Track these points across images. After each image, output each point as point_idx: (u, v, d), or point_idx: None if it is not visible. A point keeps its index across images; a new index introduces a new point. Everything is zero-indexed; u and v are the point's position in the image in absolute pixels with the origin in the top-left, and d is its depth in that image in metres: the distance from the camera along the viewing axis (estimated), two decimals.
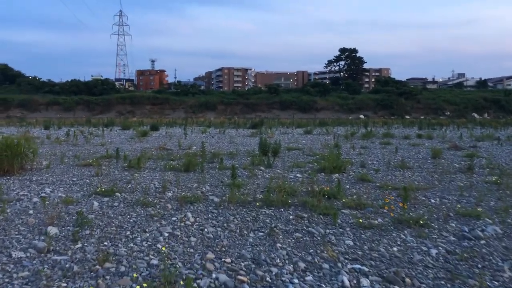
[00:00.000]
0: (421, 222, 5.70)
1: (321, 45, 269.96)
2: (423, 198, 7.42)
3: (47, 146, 16.50)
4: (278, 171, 10.45)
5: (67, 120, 54.46)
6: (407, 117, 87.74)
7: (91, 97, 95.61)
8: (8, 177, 9.18)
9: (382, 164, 11.84)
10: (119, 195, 7.46)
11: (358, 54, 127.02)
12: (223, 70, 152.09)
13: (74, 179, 9.12)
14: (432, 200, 7.30)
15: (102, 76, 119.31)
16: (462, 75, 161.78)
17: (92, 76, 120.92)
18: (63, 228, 5.46)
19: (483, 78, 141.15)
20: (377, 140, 20.62)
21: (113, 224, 5.69)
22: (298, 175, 9.84)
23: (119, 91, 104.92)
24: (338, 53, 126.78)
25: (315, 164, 11.67)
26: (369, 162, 12.29)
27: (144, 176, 9.62)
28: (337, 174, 9.87)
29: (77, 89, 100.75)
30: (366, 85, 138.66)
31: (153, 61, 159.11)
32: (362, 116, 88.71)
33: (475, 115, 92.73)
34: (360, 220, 5.79)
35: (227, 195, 7.37)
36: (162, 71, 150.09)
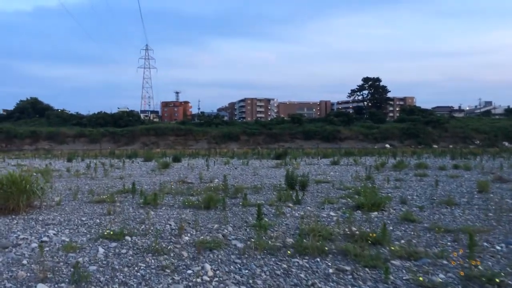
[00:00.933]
0: (497, 280, 4.54)
1: (343, 74, 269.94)
2: (486, 245, 6.22)
3: (65, 180, 15.87)
4: (309, 208, 9.38)
5: (93, 152, 54.77)
6: (435, 146, 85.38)
7: (117, 129, 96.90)
8: (13, 216, 8.40)
9: (424, 200, 10.63)
10: (129, 239, 6.53)
11: (381, 83, 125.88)
12: (246, 100, 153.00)
13: (84, 218, 8.26)
14: (498, 247, 6.09)
15: (128, 108, 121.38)
16: (489, 103, 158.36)
17: (118, 108, 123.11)
18: (55, 286, 4.53)
19: (511, 106, 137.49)
20: (411, 172, 19.29)
21: (116, 280, 4.73)
22: (331, 213, 8.74)
23: (144, 123, 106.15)
24: (361, 82, 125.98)
25: (349, 199, 10.55)
26: (408, 197, 11.09)
27: (160, 214, 8.69)
28: (375, 213, 8.73)
29: (103, 121, 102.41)
30: (391, 114, 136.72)
31: (177, 93, 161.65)
32: (387, 146, 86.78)
33: (506, 143, 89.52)
34: (420, 278, 4.65)
35: (252, 240, 6.34)
36: (186, 102, 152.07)
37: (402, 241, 6.40)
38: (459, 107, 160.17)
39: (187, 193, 11.80)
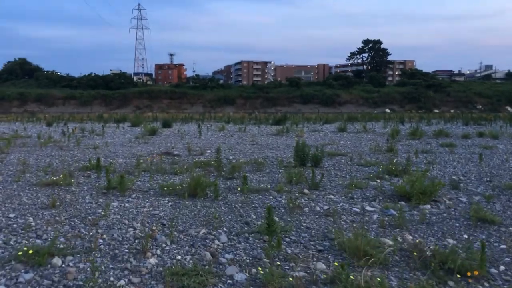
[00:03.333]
0: None
1: (341, 38, 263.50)
2: None
3: (27, 150, 13.25)
4: (332, 197, 6.88)
5: (82, 115, 51.80)
6: (436, 111, 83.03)
7: (108, 92, 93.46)
8: None
9: (478, 183, 8.15)
10: (58, 263, 4.02)
11: (382, 46, 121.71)
12: (243, 63, 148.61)
13: (12, 214, 5.72)
14: None
15: (120, 71, 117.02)
16: (490, 67, 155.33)
17: (111, 70, 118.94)
18: None
19: (511, 70, 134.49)
20: (432, 141, 16.79)
21: None
22: (367, 207, 6.24)
23: (136, 86, 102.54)
24: (361, 45, 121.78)
25: (380, 182, 8.07)
26: (453, 177, 8.61)
27: (125, 207, 6.17)
28: (428, 206, 6.25)
29: (95, 84, 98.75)
30: (390, 78, 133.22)
31: (171, 55, 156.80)
32: (388, 110, 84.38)
33: (509, 108, 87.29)
34: None
35: (259, 270, 3.85)
36: (181, 65, 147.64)
37: (502, 269, 3.95)
38: (459, 71, 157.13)
39: (170, 170, 9.26)
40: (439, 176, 8.75)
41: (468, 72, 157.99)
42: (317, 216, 5.74)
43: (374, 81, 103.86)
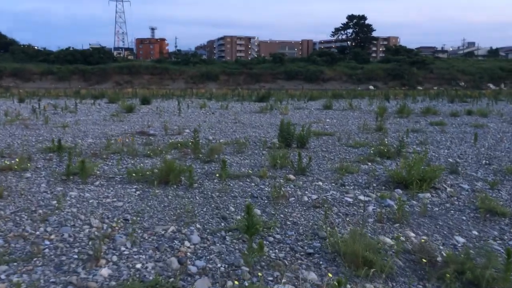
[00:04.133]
0: None
1: (326, 14, 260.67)
2: None
3: None
4: (320, 183, 6.17)
5: (60, 90, 49.93)
6: (419, 88, 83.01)
7: (87, 67, 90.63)
8: None
9: (476, 166, 7.55)
10: None
11: (366, 22, 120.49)
12: (226, 38, 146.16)
13: None
14: None
15: (100, 45, 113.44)
16: (472, 44, 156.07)
17: (90, 45, 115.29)
18: None
19: (494, 47, 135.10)
20: (421, 119, 16.23)
21: None
22: (360, 196, 5.55)
23: (116, 60, 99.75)
24: (346, 20, 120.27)
25: (371, 165, 7.41)
26: (451, 160, 8.00)
27: (85, 197, 5.36)
28: (428, 194, 5.59)
29: (73, 58, 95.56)
30: (374, 55, 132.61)
31: (153, 29, 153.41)
32: (371, 87, 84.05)
33: (491, 85, 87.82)
34: None
35: (236, 283, 3.13)
36: (163, 39, 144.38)
37: None
38: (442, 47, 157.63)
39: (143, 152, 8.42)
40: (434, 159, 8.12)
41: (451, 49, 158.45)
42: (305, 208, 5.03)
43: (358, 57, 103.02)
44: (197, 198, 5.41)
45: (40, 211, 4.79)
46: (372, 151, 8.37)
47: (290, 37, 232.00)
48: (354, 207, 5.07)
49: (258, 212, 4.82)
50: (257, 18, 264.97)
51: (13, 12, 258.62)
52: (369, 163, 7.61)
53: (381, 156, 8.11)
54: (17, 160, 7.15)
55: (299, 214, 4.81)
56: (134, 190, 5.76)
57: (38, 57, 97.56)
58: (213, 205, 5.10)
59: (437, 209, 5.06)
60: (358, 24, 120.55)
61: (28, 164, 6.95)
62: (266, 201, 5.28)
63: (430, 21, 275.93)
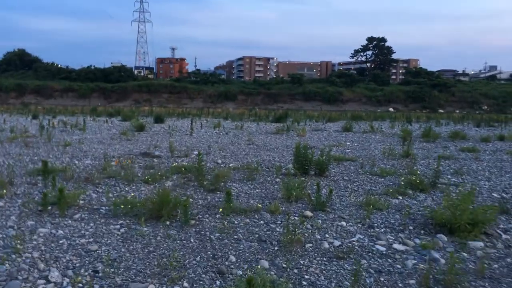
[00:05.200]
0: None
1: (344, 36, 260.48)
2: None
3: None
4: (344, 223, 5.09)
5: (80, 107, 49.90)
6: (441, 111, 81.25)
7: (107, 85, 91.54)
8: None
9: None
10: None
11: (386, 44, 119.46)
12: (245, 59, 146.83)
13: None
14: None
15: (121, 64, 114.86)
16: (494, 67, 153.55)
17: (111, 63, 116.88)
18: None
19: None
20: (449, 144, 14.99)
21: None
22: (394, 244, 4.44)
23: (136, 79, 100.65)
24: (365, 42, 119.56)
25: (403, 199, 6.29)
26: (495, 195, 6.82)
27: (54, 237, 4.40)
28: (480, 243, 4.46)
29: (94, 76, 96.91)
30: (393, 77, 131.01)
31: (173, 49, 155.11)
32: (391, 109, 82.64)
33: None
34: None
35: None
36: (183, 59, 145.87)
37: None
38: (464, 71, 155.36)
39: (141, 178, 7.47)
40: (476, 193, 6.95)
41: (472, 72, 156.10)
42: (325, 259, 3.96)
43: (377, 79, 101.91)
44: (192, 240, 4.39)
45: None
46: (402, 182, 7.23)
47: (309, 58, 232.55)
48: (389, 260, 3.97)
49: (266, 264, 3.77)
50: (276, 39, 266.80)
51: (38, 30, 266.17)
52: (400, 197, 6.50)
53: (412, 188, 6.99)
54: None
55: (318, 268, 3.74)
56: (118, 227, 4.78)
57: (60, 75, 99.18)
58: (209, 252, 4.07)
59: (496, 265, 3.93)
60: (378, 46, 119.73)
61: (4, 191, 6.04)
62: (276, 248, 4.22)
63: (451, 44, 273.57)
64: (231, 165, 9.18)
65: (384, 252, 4.18)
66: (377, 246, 4.32)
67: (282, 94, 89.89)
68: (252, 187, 7.05)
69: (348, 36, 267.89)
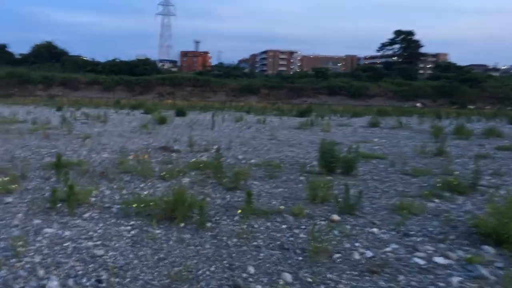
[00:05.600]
0: None
1: (370, 29, 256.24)
2: None
3: (6, 138, 11.38)
4: (375, 230, 4.59)
5: (104, 100, 50.33)
6: (470, 107, 78.81)
7: (132, 78, 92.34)
8: None
9: None
10: None
11: (414, 37, 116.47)
12: (268, 52, 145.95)
13: None
14: None
15: (146, 57, 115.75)
16: None
17: (136, 56, 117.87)
18: None
19: None
20: (484, 142, 14.18)
21: None
22: (431, 251, 3.94)
23: (160, 72, 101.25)
24: (393, 35, 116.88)
25: (439, 202, 5.74)
26: None
27: (60, 239, 4.07)
28: None
29: (118, 69, 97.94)
30: (421, 71, 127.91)
31: (197, 42, 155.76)
32: (418, 105, 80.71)
33: None
34: None
35: None
36: (206, 52, 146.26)
37: None
38: (494, 66, 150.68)
39: (158, 173, 7.12)
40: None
41: (504, 67, 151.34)
42: (356, 274, 3.49)
43: (404, 74, 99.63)
44: (207, 246, 3.98)
45: None
46: (438, 183, 6.66)
47: (333, 52, 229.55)
48: (430, 276, 3.47)
49: (288, 278, 3.33)
50: (300, 32, 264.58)
51: (66, 23, 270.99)
52: (436, 200, 5.94)
53: (450, 190, 6.41)
54: (6, 179, 6.01)
55: (349, 285, 3.28)
56: (128, 228, 4.42)
57: (86, 67, 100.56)
58: (225, 261, 3.65)
59: None
60: (405, 39, 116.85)
61: (15, 186, 5.77)
62: (300, 258, 3.77)
63: (481, 38, 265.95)
64: (252, 161, 8.75)
65: (424, 266, 3.67)
66: (415, 259, 3.81)
67: (305, 88, 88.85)
68: (274, 185, 6.61)
69: (375, 29, 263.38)
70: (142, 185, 6.36)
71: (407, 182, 7.16)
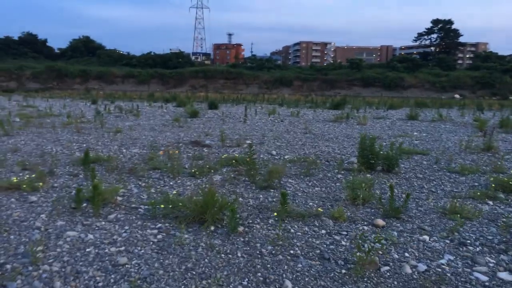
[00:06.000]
0: None
1: (406, 19, 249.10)
2: None
3: (40, 132, 11.41)
4: (426, 237, 4.11)
5: (139, 93, 50.94)
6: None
7: (165, 71, 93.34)
8: None
9: None
10: None
11: (453, 26, 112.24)
12: (301, 44, 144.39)
13: None
14: None
15: (180, 50, 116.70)
16: None
17: (170, 50, 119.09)
18: None
19: None
20: None
21: None
22: (493, 264, 3.45)
23: (193, 65, 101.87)
24: (430, 25, 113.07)
25: (494, 204, 5.17)
26: None
27: (82, 243, 3.80)
28: None
29: (153, 62, 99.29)
30: (460, 61, 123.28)
31: (230, 34, 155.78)
32: (457, 96, 77.86)
33: None
34: None
35: None
36: (239, 45, 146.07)
37: None
38: None
39: (188, 170, 6.83)
40: None
41: None
42: None
43: (442, 64, 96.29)
44: (239, 255, 3.62)
45: (8, 266, 3.27)
46: (491, 183, 6.05)
47: (368, 43, 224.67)
48: None
49: None
50: (334, 24, 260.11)
51: (102, 18, 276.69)
52: (490, 202, 5.37)
53: (504, 190, 5.81)
54: (33, 176, 5.85)
55: None
56: (155, 232, 4.11)
57: (121, 61, 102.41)
58: (259, 274, 3.28)
59: None
60: (443, 29, 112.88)
61: (41, 184, 5.58)
62: (343, 271, 3.35)
63: None
64: (286, 157, 8.35)
65: (487, 284, 3.19)
66: (476, 274, 3.33)
67: (339, 80, 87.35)
68: (310, 184, 6.18)
69: (411, 19, 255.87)
70: (172, 182, 6.07)
71: (455, 181, 6.57)
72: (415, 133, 13.48)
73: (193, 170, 6.60)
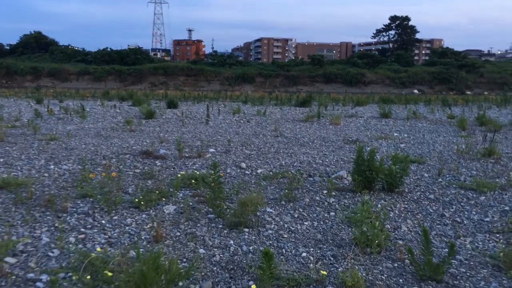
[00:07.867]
0: None
1: (364, 16, 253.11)
2: None
3: None
4: None
5: (94, 91, 47.83)
6: (468, 92, 77.15)
7: (123, 67, 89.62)
8: None
9: None
10: None
11: (410, 23, 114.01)
12: (263, 40, 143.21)
13: None
14: None
15: (138, 46, 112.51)
16: None
17: (128, 46, 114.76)
18: None
19: None
20: None
21: None
22: None
23: (153, 61, 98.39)
24: (388, 21, 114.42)
25: None
26: None
27: None
28: None
29: (109, 59, 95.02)
30: (416, 57, 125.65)
31: (190, 30, 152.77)
32: (416, 91, 79.00)
33: None
34: None
35: None
36: (199, 41, 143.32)
37: None
38: (489, 51, 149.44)
39: (131, 196, 5.06)
40: None
41: (499, 52, 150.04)
42: None
43: (401, 60, 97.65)
44: None
45: None
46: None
47: (328, 39, 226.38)
48: None
49: None
50: (294, 20, 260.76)
51: (55, 13, 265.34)
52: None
53: None
54: None
55: None
56: None
57: (76, 57, 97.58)
58: None
59: None
60: (401, 25, 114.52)
61: None
62: None
63: (475, 23, 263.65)
64: (259, 171, 6.72)
65: None
66: None
67: (301, 76, 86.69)
68: (296, 216, 4.58)
69: (368, 16, 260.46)
70: (104, 220, 4.31)
71: (477, 204, 5.16)
72: (395, 134, 12.20)
73: (136, 200, 4.83)
